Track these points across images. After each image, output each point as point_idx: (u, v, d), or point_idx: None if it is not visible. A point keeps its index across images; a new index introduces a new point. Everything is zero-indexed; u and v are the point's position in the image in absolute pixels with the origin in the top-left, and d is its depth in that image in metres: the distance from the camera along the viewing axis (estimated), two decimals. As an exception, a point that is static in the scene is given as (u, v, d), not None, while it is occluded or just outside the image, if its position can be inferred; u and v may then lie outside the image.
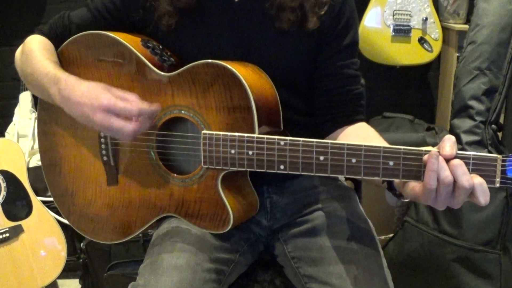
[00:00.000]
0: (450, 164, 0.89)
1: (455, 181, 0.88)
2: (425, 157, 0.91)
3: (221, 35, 1.18)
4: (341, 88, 1.21)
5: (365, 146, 0.95)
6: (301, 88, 1.24)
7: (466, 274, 1.74)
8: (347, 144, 0.97)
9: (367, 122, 1.24)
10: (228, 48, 1.18)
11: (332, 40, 1.19)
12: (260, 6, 1.16)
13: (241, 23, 1.18)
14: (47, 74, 1.15)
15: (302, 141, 1.00)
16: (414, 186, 0.94)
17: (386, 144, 1.08)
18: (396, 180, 0.99)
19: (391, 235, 1.98)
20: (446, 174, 0.88)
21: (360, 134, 1.19)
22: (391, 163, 0.94)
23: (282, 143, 1.02)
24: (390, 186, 1.02)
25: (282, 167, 1.03)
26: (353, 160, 0.97)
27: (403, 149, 0.93)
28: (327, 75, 1.21)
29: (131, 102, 1.04)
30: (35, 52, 1.19)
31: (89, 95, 1.05)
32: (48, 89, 1.14)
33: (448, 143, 0.89)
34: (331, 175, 1.00)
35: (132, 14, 1.22)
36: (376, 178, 0.96)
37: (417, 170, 0.92)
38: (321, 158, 0.99)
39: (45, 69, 1.15)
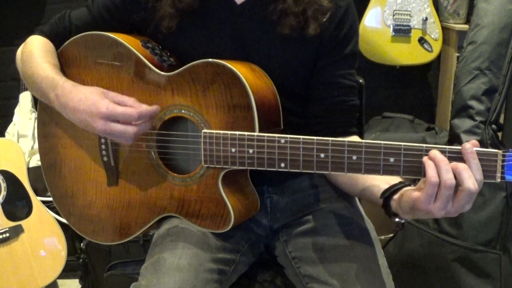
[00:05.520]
0: (456, 168, 0.88)
1: (457, 185, 0.88)
2: (431, 153, 0.90)
3: (222, 38, 1.18)
4: (336, 98, 1.20)
5: (365, 143, 0.95)
6: (298, 93, 1.23)
7: (466, 274, 1.73)
8: (348, 141, 0.97)
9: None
10: (227, 51, 1.18)
11: (332, 49, 1.18)
12: (262, 10, 1.15)
13: (242, 27, 1.17)
14: (46, 77, 1.15)
15: (303, 138, 1.00)
16: (411, 192, 0.94)
17: None
18: (394, 196, 0.99)
19: (391, 235, 1.98)
20: (449, 176, 0.88)
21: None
22: (391, 159, 0.94)
23: (282, 141, 1.02)
24: (386, 203, 1.01)
25: (282, 165, 1.03)
26: (354, 157, 0.97)
27: (404, 145, 0.93)
28: (323, 83, 1.20)
29: (130, 106, 1.06)
30: (35, 54, 1.19)
31: (86, 102, 1.07)
32: (47, 94, 1.15)
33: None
34: (332, 173, 0.99)
35: (133, 15, 1.22)
36: (377, 174, 0.96)
37: (418, 166, 0.92)
38: (322, 155, 0.99)
39: (44, 72, 1.16)
